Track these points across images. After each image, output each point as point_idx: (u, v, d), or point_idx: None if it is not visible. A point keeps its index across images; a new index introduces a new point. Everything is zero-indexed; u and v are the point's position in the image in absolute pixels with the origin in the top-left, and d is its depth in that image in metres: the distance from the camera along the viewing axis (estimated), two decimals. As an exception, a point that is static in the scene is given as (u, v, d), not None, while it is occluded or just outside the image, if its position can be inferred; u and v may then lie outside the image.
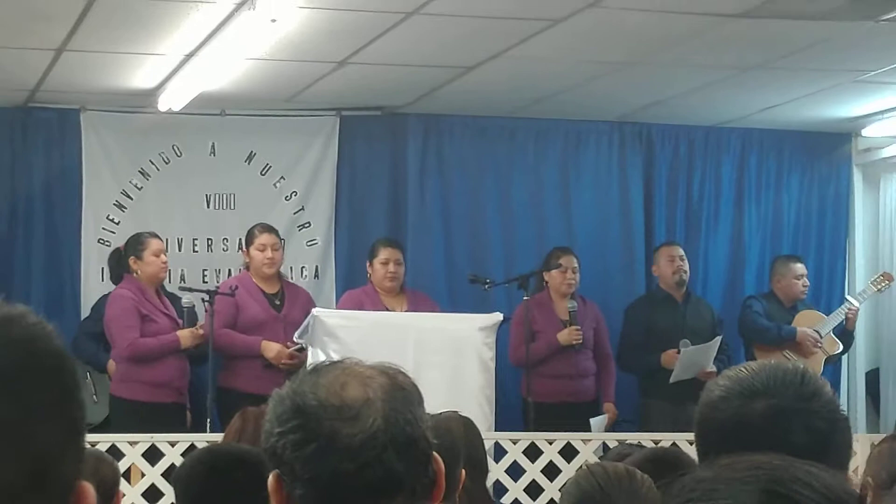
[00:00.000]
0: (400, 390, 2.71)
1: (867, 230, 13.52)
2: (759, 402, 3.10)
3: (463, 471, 5.60)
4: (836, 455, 3.07)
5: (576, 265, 11.48)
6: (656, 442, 8.92)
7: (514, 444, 9.89)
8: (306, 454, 2.64)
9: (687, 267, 12.00)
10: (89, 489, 1.61)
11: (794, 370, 3.25)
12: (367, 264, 11.19)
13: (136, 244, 10.84)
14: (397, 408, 2.67)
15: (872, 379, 13.31)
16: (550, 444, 9.89)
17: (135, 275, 10.71)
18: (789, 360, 11.39)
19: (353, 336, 9.74)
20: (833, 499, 1.82)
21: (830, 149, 13.24)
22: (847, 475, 3.34)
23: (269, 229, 11.12)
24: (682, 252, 12.06)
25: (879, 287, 12.43)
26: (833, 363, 12.41)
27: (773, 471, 1.87)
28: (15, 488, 1.51)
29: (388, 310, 10.84)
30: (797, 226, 13.22)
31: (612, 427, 10.90)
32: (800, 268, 12.25)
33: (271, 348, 10.37)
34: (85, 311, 11.57)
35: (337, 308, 11.00)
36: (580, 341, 11.01)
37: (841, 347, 12.22)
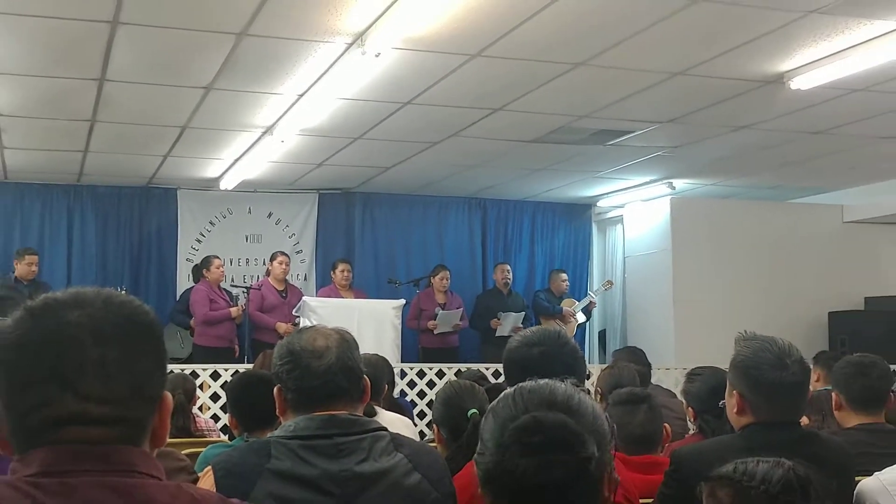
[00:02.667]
0: (346, 342, 2.78)
1: (599, 255, 13.63)
2: (535, 348, 3.16)
3: (386, 385, 5.61)
4: (579, 375, 3.12)
5: (448, 275, 11.45)
6: (487, 368, 8.95)
7: (411, 369, 9.92)
8: (293, 376, 2.71)
9: (510, 275, 11.95)
10: (169, 397, 1.64)
11: (555, 332, 3.31)
12: (332, 272, 11.13)
13: (206, 262, 10.75)
14: (344, 351, 2.74)
15: (602, 335, 13.44)
16: (430, 369, 9.94)
17: (206, 278, 10.64)
18: (557, 327, 11.49)
19: (325, 312, 9.65)
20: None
21: (581, 212, 13.23)
22: (585, 386, 3.35)
23: (284, 253, 11.02)
24: (508, 267, 12.01)
25: (606, 287, 12.54)
26: (581, 327, 12.45)
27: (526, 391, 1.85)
28: (125, 398, 1.54)
29: (343, 298, 10.77)
30: (550, 252, 13.13)
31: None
32: (564, 276, 12.26)
33: (281, 328, 10.17)
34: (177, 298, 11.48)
35: (316, 296, 10.90)
36: (435, 330, 11.01)
37: (585, 319, 12.27)
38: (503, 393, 1.89)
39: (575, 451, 1.69)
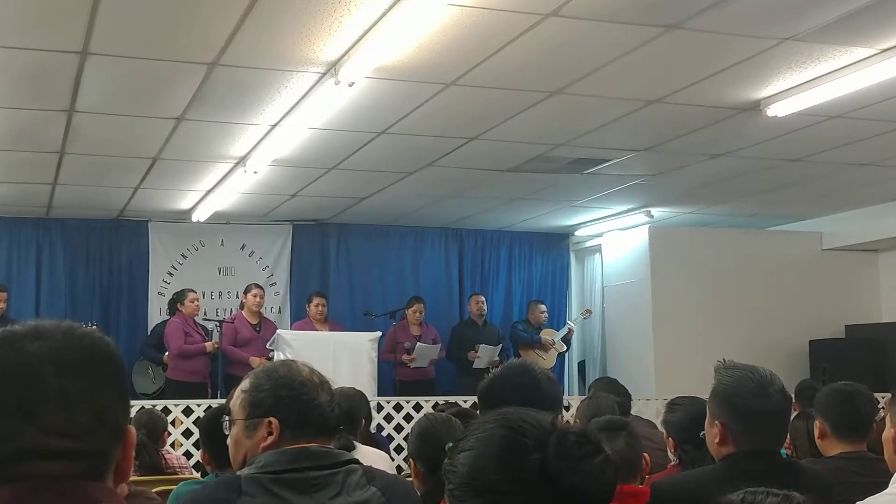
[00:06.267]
0: (318, 374, 2.73)
1: (577, 285, 13.57)
2: (514, 379, 3.10)
3: (363, 419, 5.57)
4: (551, 404, 3.08)
5: (422, 307, 11.38)
6: (465, 401, 8.90)
7: (388, 402, 9.82)
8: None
9: (485, 306, 11.91)
10: (132, 430, 1.60)
11: (528, 365, 3.25)
12: (307, 305, 11.05)
13: (181, 294, 10.69)
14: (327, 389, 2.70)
15: (581, 366, 13.36)
16: (408, 402, 9.84)
17: (181, 311, 10.55)
18: (538, 357, 11.49)
19: (299, 345, 9.59)
20: (540, 424, 1.87)
21: (559, 241, 13.21)
22: (560, 415, 3.31)
23: (259, 286, 10.93)
24: (482, 298, 11.96)
25: (584, 316, 12.54)
26: (561, 357, 12.35)
27: (506, 415, 1.91)
28: (87, 429, 1.50)
29: (318, 331, 10.69)
30: (528, 282, 13.12)
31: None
32: (543, 307, 12.21)
33: (255, 362, 9.87)
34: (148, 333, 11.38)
35: (291, 329, 10.81)
36: (412, 364, 10.92)
37: (565, 348, 12.19)
38: (472, 424, 1.97)
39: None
